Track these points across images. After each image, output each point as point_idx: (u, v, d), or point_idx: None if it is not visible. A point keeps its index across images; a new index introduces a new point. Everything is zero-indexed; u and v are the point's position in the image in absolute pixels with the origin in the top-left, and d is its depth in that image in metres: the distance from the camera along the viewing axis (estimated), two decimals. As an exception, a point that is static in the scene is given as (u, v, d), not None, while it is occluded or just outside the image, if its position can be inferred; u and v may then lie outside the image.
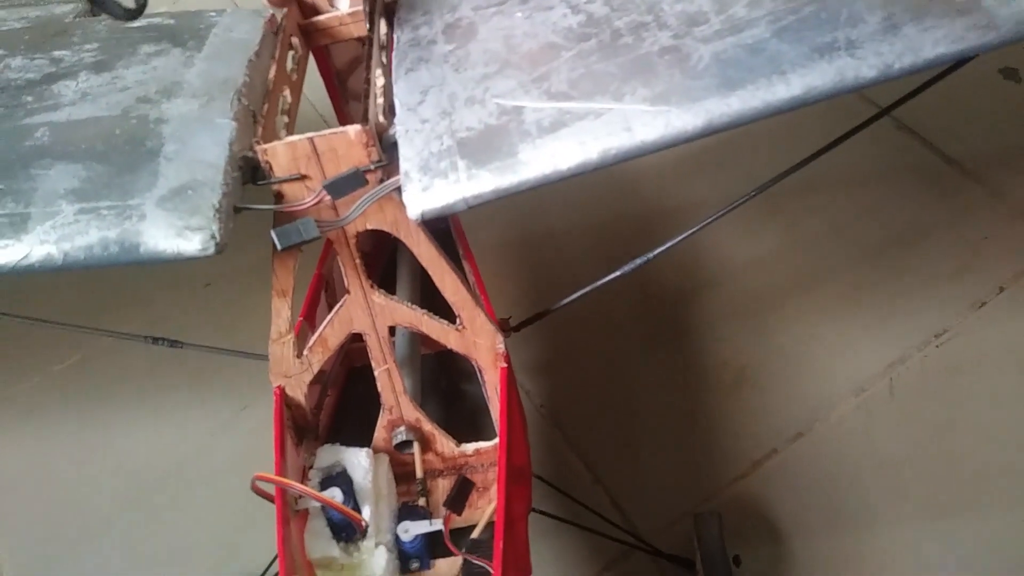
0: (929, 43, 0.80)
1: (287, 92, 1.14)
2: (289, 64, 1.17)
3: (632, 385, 1.95)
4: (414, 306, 1.12)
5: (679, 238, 1.17)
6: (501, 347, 1.16)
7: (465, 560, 1.13)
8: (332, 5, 1.23)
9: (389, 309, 1.11)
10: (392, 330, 1.16)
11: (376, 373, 1.17)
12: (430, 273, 1.08)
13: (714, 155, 2.23)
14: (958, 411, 1.81)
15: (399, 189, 0.93)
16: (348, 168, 0.93)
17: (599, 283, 1.20)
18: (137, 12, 0.95)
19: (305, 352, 1.14)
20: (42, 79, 1.11)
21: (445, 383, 1.44)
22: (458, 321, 1.13)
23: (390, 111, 1.03)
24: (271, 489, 1.07)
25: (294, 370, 1.15)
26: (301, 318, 1.25)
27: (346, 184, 0.93)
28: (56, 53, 1.16)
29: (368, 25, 1.15)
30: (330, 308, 1.13)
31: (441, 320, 1.13)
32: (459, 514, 1.21)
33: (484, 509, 1.20)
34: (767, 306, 2.02)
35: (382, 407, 1.20)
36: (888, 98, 1.12)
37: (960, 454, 1.75)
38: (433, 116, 0.97)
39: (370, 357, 1.16)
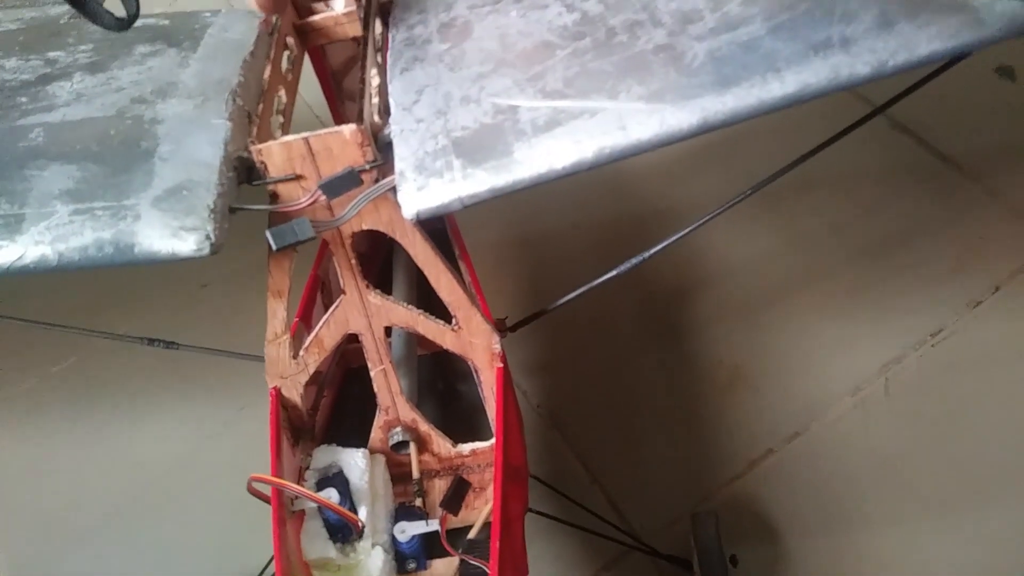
0: (924, 40, 0.80)
1: (282, 92, 1.14)
2: (284, 64, 1.16)
3: (629, 385, 1.95)
4: (410, 306, 1.12)
5: (674, 237, 1.17)
6: (497, 347, 1.16)
7: (462, 560, 1.13)
8: (327, 5, 1.23)
9: (385, 309, 1.11)
10: (388, 331, 1.16)
11: (372, 374, 1.17)
12: (426, 273, 1.07)
13: (709, 154, 2.23)
14: (955, 410, 1.81)
15: (394, 189, 0.92)
16: (343, 168, 0.93)
17: (595, 283, 1.19)
18: (128, 22, 0.95)
19: (301, 353, 1.14)
20: (37, 80, 1.11)
21: (441, 384, 1.44)
22: (454, 321, 1.13)
23: (385, 111, 1.03)
24: (267, 490, 1.07)
25: (290, 371, 1.15)
26: (297, 319, 1.25)
27: (341, 184, 0.92)
28: (51, 54, 1.16)
29: (363, 25, 1.15)
30: (326, 309, 1.13)
31: (437, 320, 1.13)
32: (456, 514, 1.21)
33: (481, 509, 1.20)
34: (763, 305, 2.02)
35: (378, 408, 1.20)
36: (883, 97, 1.12)
37: (957, 453, 1.75)
38: (428, 115, 0.97)
39: (366, 358, 1.16)
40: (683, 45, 0.90)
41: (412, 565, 1.17)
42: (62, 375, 2.17)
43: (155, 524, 1.90)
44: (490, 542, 1.04)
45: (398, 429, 1.21)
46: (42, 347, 2.19)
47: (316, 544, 1.11)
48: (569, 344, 2.02)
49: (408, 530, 1.15)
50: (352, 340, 1.16)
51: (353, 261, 1.06)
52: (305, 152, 0.94)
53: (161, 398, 2.09)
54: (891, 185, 2.18)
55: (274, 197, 0.98)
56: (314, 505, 1.11)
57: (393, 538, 1.16)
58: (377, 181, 0.95)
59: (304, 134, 0.94)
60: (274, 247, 0.92)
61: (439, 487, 1.24)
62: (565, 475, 1.82)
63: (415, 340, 1.35)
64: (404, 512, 1.19)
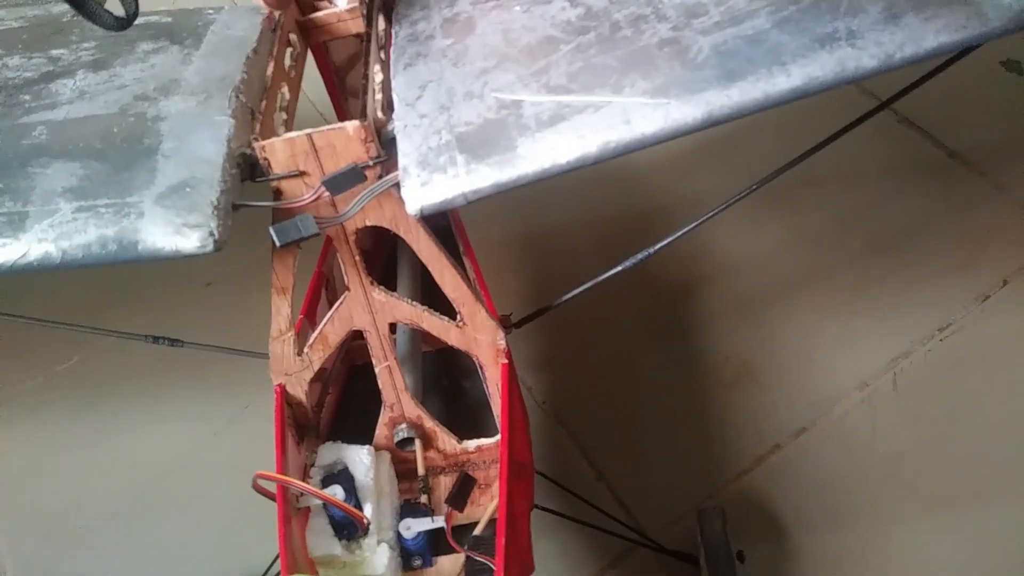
0: (931, 32, 0.80)
1: (285, 89, 1.13)
2: (287, 61, 1.16)
3: (634, 381, 1.95)
4: (414, 303, 1.11)
5: (680, 233, 1.16)
6: (502, 343, 1.15)
7: (467, 557, 1.13)
8: (330, 2, 1.23)
9: (389, 306, 1.11)
10: (393, 327, 1.15)
11: (377, 370, 1.16)
12: (430, 269, 1.07)
13: (714, 150, 2.22)
14: (962, 405, 1.80)
15: (398, 185, 0.92)
16: (347, 164, 0.92)
17: (600, 278, 1.19)
18: (128, 22, 0.94)
19: (306, 350, 1.14)
20: (40, 78, 1.11)
21: (446, 380, 1.44)
22: (459, 317, 1.12)
23: (388, 107, 1.03)
24: (272, 487, 1.07)
25: (295, 368, 1.15)
26: (301, 316, 1.25)
27: (345, 180, 0.92)
28: (54, 52, 1.15)
29: (366, 21, 1.15)
30: (330, 306, 1.13)
31: (442, 316, 1.12)
32: (461, 511, 1.21)
33: (486, 506, 1.20)
34: (769, 300, 2.02)
35: (383, 404, 1.20)
36: (889, 91, 1.12)
37: (965, 448, 1.74)
38: (432, 111, 0.96)
39: (371, 354, 1.15)
40: (688, 39, 0.90)
41: (418, 562, 1.17)
42: (66, 374, 2.17)
43: (159, 522, 1.90)
44: (496, 538, 1.04)
45: (403, 426, 1.21)
46: (46, 346, 2.20)
47: (321, 541, 1.11)
48: (574, 340, 2.01)
49: (413, 527, 1.15)
50: (357, 337, 1.15)
51: (357, 257, 1.05)
52: (308, 148, 0.94)
53: (165, 396, 2.10)
54: (897, 180, 2.17)
55: (277, 194, 0.97)
56: (319, 502, 1.11)
57: (398, 535, 1.16)
58: (381, 177, 0.95)
59: (307, 130, 0.93)
60: (278, 244, 0.92)
61: (444, 484, 1.24)
62: (570, 471, 1.82)
63: (420, 336, 1.35)
64: (409, 509, 1.19)
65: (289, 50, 1.17)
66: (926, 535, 1.66)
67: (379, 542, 1.12)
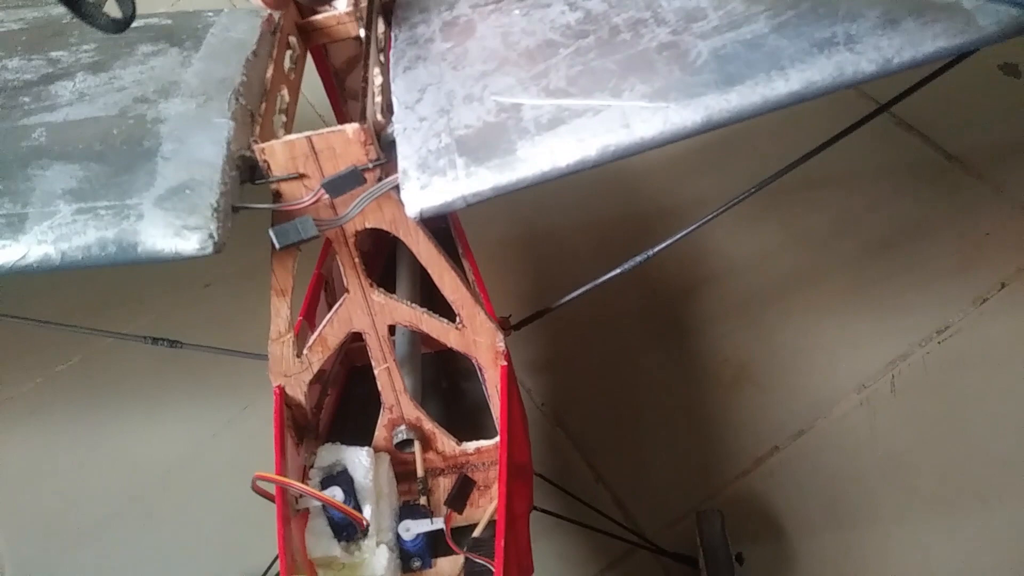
0: (928, 37, 0.80)
1: (285, 91, 1.14)
2: (287, 63, 1.16)
3: (633, 382, 1.95)
4: (414, 305, 1.12)
5: (679, 235, 1.16)
6: (501, 345, 1.15)
7: (467, 559, 1.13)
8: (331, 5, 1.23)
9: (389, 308, 1.11)
10: (392, 329, 1.16)
11: (376, 372, 1.17)
12: (429, 271, 1.07)
13: (713, 153, 2.22)
14: (961, 407, 1.80)
15: (397, 187, 0.92)
16: (346, 167, 0.93)
17: (599, 280, 1.19)
18: (125, 24, 0.94)
19: (305, 351, 1.14)
20: (39, 80, 1.11)
21: (445, 382, 1.44)
22: (458, 319, 1.13)
23: (388, 109, 1.03)
24: (272, 489, 1.07)
25: (294, 369, 1.15)
26: (301, 318, 1.25)
27: (344, 183, 0.92)
28: (53, 54, 1.16)
29: (366, 24, 1.15)
30: (330, 308, 1.13)
31: (441, 319, 1.13)
32: (460, 513, 1.21)
33: (485, 508, 1.20)
34: (768, 303, 2.02)
35: (382, 406, 1.20)
36: (887, 95, 1.12)
37: (963, 450, 1.74)
38: (431, 114, 0.97)
39: (370, 356, 1.15)
40: (687, 43, 0.90)
41: (417, 563, 1.17)
42: (66, 374, 2.17)
43: (158, 523, 1.90)
44: (495, 540, 1.04)
45: (402, 427, 1.21)
46: (46, 347, 2.20)
47: (321, 543, 1.11)
48: (573, 342, 2.02)
49: (413, 528, 1.15)
50: (356, 339, 1.16)
51: (356, 260, 1.05)
52: (308, 151, 0.94)
53: (164, 398, 2.09)
54: (896, 183, 2.17)
55: (277, 196, 0.97)
56: (318, 504, 1.11)
57: (398, 536, 1.16)
58: (380, 180, 0.95)
59: (307, 133, 0.94)
60: (277, 246, 0.92)
61: (444, 485, 1.24)
62: (570, 473, 1.82)
63: (419, 338, 1.35)
64: (409, 510, 1.19)
65: (289, 52, 1.17)
66: (925, 536, 1.66)
67: (378, 543, 1.12)
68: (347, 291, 1.09)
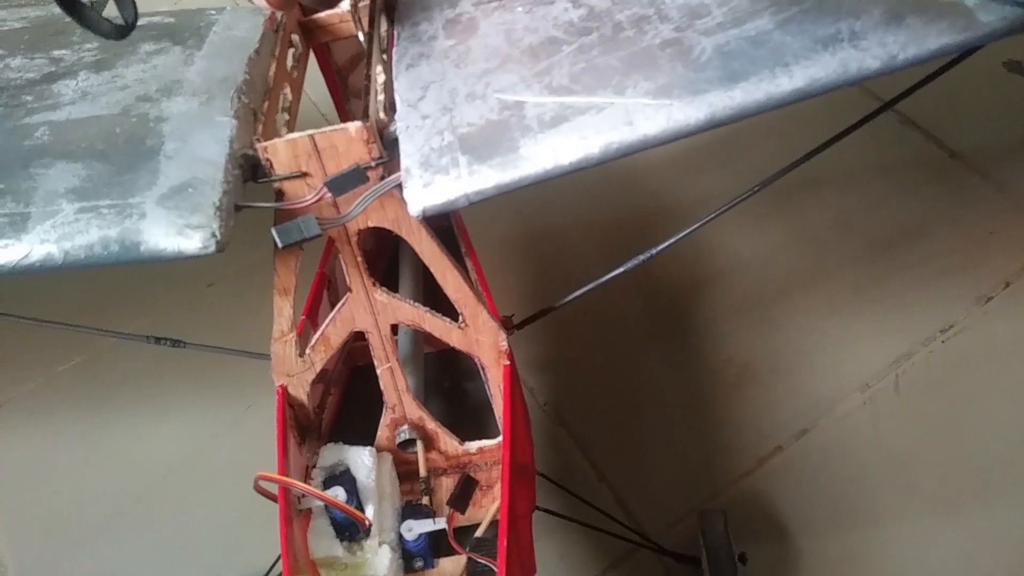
0: (933, 33, 0.80)
1: (287, 90, 1.13)
2: (289, 62, 1.16)
3: (636, 382, 1.95)
4: (416, 304, 1.11)
5: (682, 234, 1.16)
6: (504, 344, 1.15)
7: (469, 559, 1.13)
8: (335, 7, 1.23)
9: (391, 307, 1.11)
10: (395, 328, 1.15)
11: (379, 372, 1.16)
12: (432, 270, 1.07)
13: (716, 151, 2.22)
14: (964, 406, 1.80)
15: (400, 186, 0.92)
16: (349, 165, 0.92)
17: (602, 280, 1.19)
18: (127, 30, 0.94)
19: (307, 351, 1.14)
20: (42, 78, 1.11)
21: (448, 382, 1.43)
22: (460, 319, 1.12)
23: (391, 107, 1.03)
24: (274, 488, 1.07)
25: (296, 369, 1.15)
26: (303, 317, 1.25)
27: (347, 181, 0.92)
28: (56, 52, 1.15)
29: (369, 22, 1.15)
30: (332, 307, 1.13)
31: (444, 318, 1.12)
32: (463, 512, 1.21)
33: (488, 507, 1.20)
34: (771, 302, 2.02)
35: (385, 406, 1.20)
36: (891, 92, 1.11)
37: (967, 449, 1.74)
38: (434, 112, 0.96)
39: (373, 356, 1.15)
40: (690, 40, 0.89)
41: (419, 563, 1.17)
42: (68, 374, 2.17)
43: (160, 523, 1.90)
44: (497, 540, 1.04)
45: (405, 427, 1.21)
46: (48, 346, 2.20)
47: (323, 542, 1.10)
48: (576, 341, 2.01)
49: (415, 528, 1.15)
50: (359, 338, 1.15)
51: (359, 258, 1.05)
52: (310, 149, 0.94)
53: (167, 397, 2.09)
54: (899, 181, 2.17)
55: (279, 195, 0.97)
56: (321, 503, 1.11)
57: (400, 536, 1.16)
58: (383, 178, 0.95)
59: (309, 131, 0.93)
60: (280, 245, 0.92)
61: (446, 485, 1.24)
62: (572, 473, 1.82)
63: (422, 338, 1.35)
64: (411, 510, 1.19)
65: (291, 51, 1.17)
66: (929, 536, 1.66)
67: (381, 543, 1.12)
68: (350, 290, 1.09)
